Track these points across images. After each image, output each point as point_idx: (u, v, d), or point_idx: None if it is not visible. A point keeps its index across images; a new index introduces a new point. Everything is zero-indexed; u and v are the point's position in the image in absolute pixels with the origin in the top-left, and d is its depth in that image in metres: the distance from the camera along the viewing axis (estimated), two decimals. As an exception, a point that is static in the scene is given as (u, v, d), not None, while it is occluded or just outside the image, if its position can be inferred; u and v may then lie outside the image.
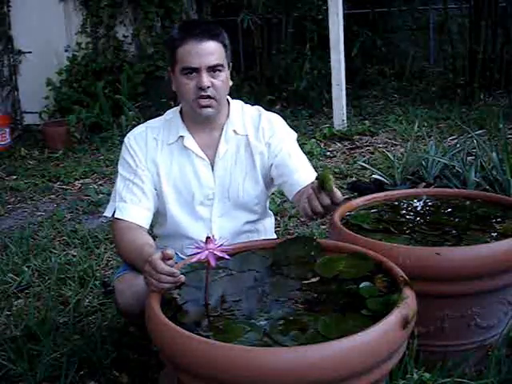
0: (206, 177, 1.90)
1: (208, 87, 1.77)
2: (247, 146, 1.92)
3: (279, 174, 1.90)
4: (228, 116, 1.91)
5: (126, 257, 1.80)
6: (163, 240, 2.01)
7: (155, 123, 1.95)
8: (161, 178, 1.89)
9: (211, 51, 1.76)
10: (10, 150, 6.11)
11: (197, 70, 1.76)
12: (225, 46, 1.81)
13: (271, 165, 1.91)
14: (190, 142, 1.89)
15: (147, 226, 1.87)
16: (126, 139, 1.94)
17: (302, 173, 1.86)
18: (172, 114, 1.96)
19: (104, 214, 1.95)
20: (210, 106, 1.80)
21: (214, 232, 1.89)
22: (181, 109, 1.93)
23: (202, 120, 1.86)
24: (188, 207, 1.92)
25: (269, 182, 1.98)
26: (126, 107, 6.16)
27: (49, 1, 6.74)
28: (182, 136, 1.89)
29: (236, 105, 1.95)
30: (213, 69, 1.77)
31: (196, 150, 1.89)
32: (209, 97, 1.79)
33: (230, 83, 1.87)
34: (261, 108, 2.00)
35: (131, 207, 1.84)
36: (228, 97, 1.91)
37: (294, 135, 1.98)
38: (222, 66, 1.79)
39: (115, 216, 1.84)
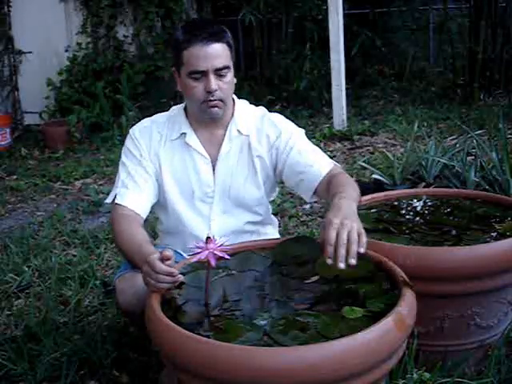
0: (206, 175, 1.90)
1: (215, 90, 1.77)
2: (248, 147, 1.92)
3: (294, 172, 1.87)
4: (233, 115, 1.90)
5: (123, 250, 1.77)
6: (166, 237, 2.01)
7: (161, 118, 1.96)
8: (162, 171, 1.89)
9: (218, 54, 1.76)
10: (10, 150, 6.11)
11: (204, 73, 1.76)
12: (230, 46, 1.81)
13: (283, 165, 1.89)
14: (191, 138, 1.89)
15: (144, 216, 1.86)
16: (131, 131, 1.95)
17: (317, 165, 1.84)
18: (177, 110, 1.96)
19: (106, 201, 1.95)
20: (217, 106, 1.81)
21: (214, 229, 1.89)
22: (185, 106, 1.93)
23: (207, 119, 1.87)
24: (189, 202, 1.92)
25: (273, 185, 1.99)
26: (126, 107, 6.16)
27: (49, 1, 6.75)
28: (184, 133, 1.90)
29: (241, 104, 1.95)
30: (220, 71, 1.77)
31: (197, 147, 1.89)
32: (216, 99, 1.79)
33: (235, 81, 1.87)
34: (265, 109, 1.99)
35: (132, 194, 1.84)
36: (234, 96, 1.91)
37: (302, 131, 1.96)
38: (228, 67, 1.79)
39: (115, 201, 1.84)
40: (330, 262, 1.41)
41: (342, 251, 1.40)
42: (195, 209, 1.92)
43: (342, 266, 1.40)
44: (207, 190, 1.91)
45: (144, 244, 1.68)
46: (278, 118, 1.95)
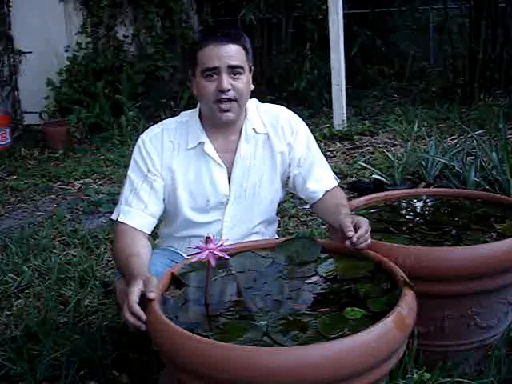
0: (222, 184, 1.88)
1: (228, 90, 1.75)
2: (267, 144, 1.90)
3: (299, 182, 1.94)
4: (246, 116, 1.89)
5: (116, 263, 1.79)
6: (171, 240, 1.99)
7: (171, 125, 1.90)
8: (176, 182, 1.86)
9: (231, 53, 1.74)
10: (10, 150, 6.11)
11: (216, 72, 1.74)
12: (246, 49, 1.79)
13: (293, 166, 1.93)
14: (209, 147, 1.86)
15: (149, 232, 1.84)
16: (140, 141, 1.89)
17: (322, 182, 1.93)
18: (188, 116, 1.91)
19: (111, 217, 1.91)
20: (230, 111, 1.78)
21: (225, 232, 1.89)
22: (199, 112, 1.90)
23: (221, 124, 1.84)
24: (202, 210, 1.89)
25: (285, 180, 1.99)
26: (126, 107, 6.16)
27: (49, 1, 6.75)
28: (202, 142, 1.86)
29: (251, 103, 1.93)
30: (233, 70, 1.75)
31: (214, 156, 1.86)
32: (229, 100, 1.76)
33: (252, 87, 1.86)
34: (276, 105, 1.99)
35: (136, 212, 1.81)
36: None
37: (312, 137, 1.99)
38: (242, 68, 1.77)
39: (118, 219, 1.81)
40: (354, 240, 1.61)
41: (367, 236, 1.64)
42: (208, 216, 1.90)
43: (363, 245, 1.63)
44: (223, 200, 1.89)
45: (133, 257, 1.64)
46: (294, 118, 1.96)
